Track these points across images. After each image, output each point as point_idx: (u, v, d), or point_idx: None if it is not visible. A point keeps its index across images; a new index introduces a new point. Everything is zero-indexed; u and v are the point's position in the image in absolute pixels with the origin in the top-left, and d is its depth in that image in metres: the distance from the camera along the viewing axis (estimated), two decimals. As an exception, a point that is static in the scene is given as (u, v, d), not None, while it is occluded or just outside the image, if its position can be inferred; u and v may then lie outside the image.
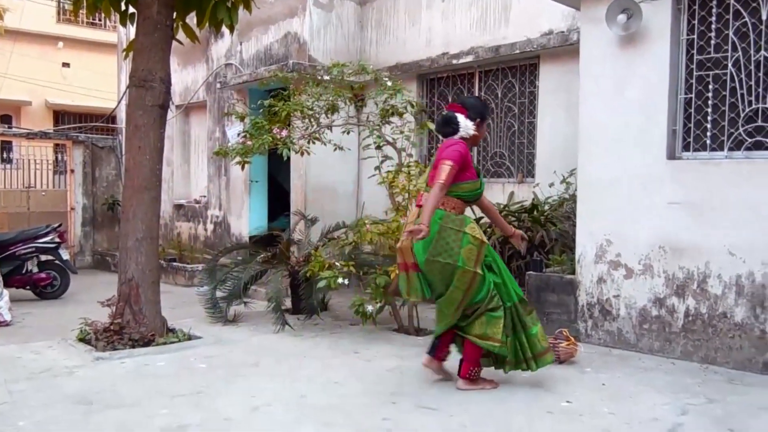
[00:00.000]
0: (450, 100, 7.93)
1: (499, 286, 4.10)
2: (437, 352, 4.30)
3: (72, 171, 11.78)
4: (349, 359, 4.95)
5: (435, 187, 3.92)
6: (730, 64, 4.81)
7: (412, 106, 6.15)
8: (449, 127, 4.15)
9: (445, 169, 3.93)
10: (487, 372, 4.29)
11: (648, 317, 5.06)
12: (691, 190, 4.83)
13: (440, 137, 4.35)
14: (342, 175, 8.56)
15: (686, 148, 5.00)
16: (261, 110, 6.49)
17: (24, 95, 17.84)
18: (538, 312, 5.60)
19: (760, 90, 4.70)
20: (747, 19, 4.74)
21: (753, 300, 4.56)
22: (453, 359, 4.34)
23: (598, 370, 4.63)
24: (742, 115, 4.78)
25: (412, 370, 4.59)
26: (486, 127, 4.28)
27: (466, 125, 4.12)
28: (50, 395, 4.07)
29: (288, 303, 6.70)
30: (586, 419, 3.65)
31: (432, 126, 6.08)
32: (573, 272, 5.51)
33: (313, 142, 6.26)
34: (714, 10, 4.86)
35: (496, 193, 7.25)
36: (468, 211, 4.27)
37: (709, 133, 4.91)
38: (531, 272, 5.77)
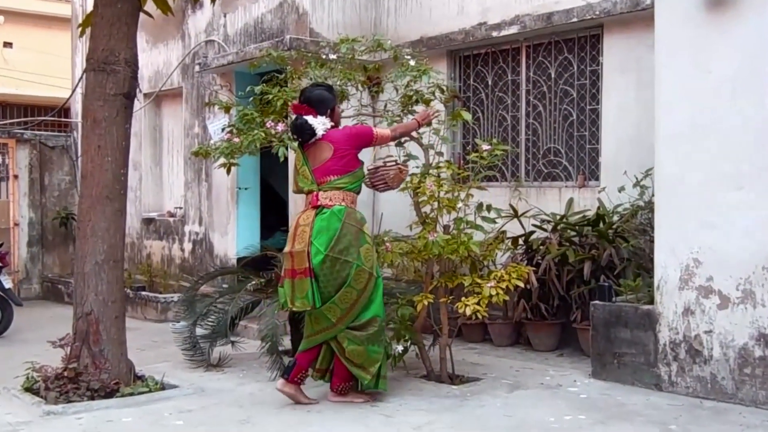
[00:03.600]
0: (490, 82, 7.92)
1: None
2: (293, 373, 5.00)
3: (15, 177, 11.90)
4: (365, 413, 4.93)
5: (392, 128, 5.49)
6: None
7: (442, 91, 6.13)
8: (305, 135, 5.05)
9: (381, 129, 5.34)
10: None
11: (750, 359, 4.98)
12: (803, 195, 4.76)
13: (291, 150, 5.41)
14: (353, 180, 8.54)
15: (796, 139, 4.94)
16: (251, 99, 6.51)
17: (-44, 83, 18.12)
18: (607, 352, 5.59)
19: None
20: None
21: None
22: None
23: (686, 427, 4.57)
24: None
25: (445, 429, 4.55)
26: (338, 110, 5.36)
27: (321, 123, 5.01)
28: (-12, 461, 4.09)
29: (286, 342, 6.67)
30: (672, 492, 3.59)
31: (468, 116, 6.06)
32: (651, 301, 5.46)
33: (317, 138, 6.26)
34: (829, -37, 4.81)
35: (551, 200, 7.20)
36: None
37: (825, 121, 4.85)
38: (597, 302, 5.73)
